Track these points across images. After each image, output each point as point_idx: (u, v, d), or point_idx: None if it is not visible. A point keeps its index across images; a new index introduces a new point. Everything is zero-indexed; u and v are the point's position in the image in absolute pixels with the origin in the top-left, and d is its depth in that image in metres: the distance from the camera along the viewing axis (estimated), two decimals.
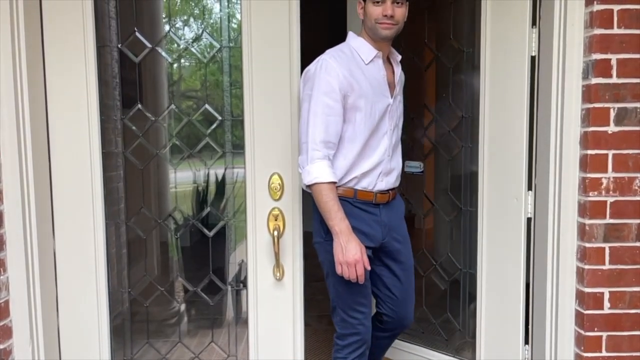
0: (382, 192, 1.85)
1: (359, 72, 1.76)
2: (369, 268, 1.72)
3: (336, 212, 1.70)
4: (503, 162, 2.02)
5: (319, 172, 1.70)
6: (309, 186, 1.73)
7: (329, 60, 1.72)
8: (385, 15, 1.72)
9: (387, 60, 1.88)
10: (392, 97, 1.83)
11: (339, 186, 1.78)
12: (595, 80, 1.76)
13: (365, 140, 1.78)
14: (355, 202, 1.80)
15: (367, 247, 1.79)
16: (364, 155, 1.79)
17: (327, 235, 1.77)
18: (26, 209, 1.83)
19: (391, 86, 1.84)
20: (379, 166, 1.82)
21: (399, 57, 1.90)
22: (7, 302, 1.81)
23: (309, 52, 1.90)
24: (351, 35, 1.83)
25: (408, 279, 1.96)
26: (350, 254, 1.68)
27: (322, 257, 1.82)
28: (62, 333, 2.00)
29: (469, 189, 2.25)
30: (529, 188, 2.01)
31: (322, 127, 1.70)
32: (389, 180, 1.87)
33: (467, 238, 2.27)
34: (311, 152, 1.71)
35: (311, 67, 1.75)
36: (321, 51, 1.77)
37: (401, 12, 1.75)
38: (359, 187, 1.81)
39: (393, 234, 1.89)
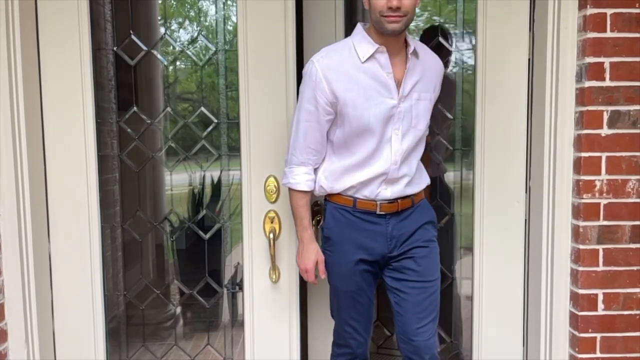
0: (388, 202, 1.70)
1: (353, 72, 1.63)
2: (322, 277, 1.76)
3: (301, 220, 1.73)
4: (503, 166, 2.01)
5: (294, 178, 1.71)
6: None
7: (316, 63, 1.63)
8: (390, 8, 1.54)
9: (407, 53, 1.68)
10: (399, 96, 1.65)
11: (338, 194, 1.72)
12: (588, 84, 1.77)
13: (359, 148, 1.67)
14: (355, 212, 1.71)
15: (365, 261, 1.72)
16: (363, 164, 1.68)
17: (325, 243, 1.76)
18: (21, 211, 1.82)
19: (399, 84, 1.65)
20: (382, 175, 1.68)
21: (412, 49, 1.67)
22: (2, 305, 1.80)
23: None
24: (357, 28, 1.68)
25: (421, 294, 1.73)
26: (302, 262, 1.75)
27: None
28: (58, 336, 1.99)
29: (461, 193, 2.25)
30: (524, 190, 2.02)
31: (302, 133, 1.68)
32: (396, 189, 1.70)
33: (459, 244, 2.25)
34: (290, 156, 1.72)
35: (305, 66, 1.68)
36: None
37: (410, 1, 1.55)
38: (359, 195, 1.70)
39: (405, 247, 1.73)
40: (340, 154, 1.71)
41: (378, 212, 1.70)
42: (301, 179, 1.71)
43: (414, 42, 1.70)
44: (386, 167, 1.67)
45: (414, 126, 1.69)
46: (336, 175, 1.71)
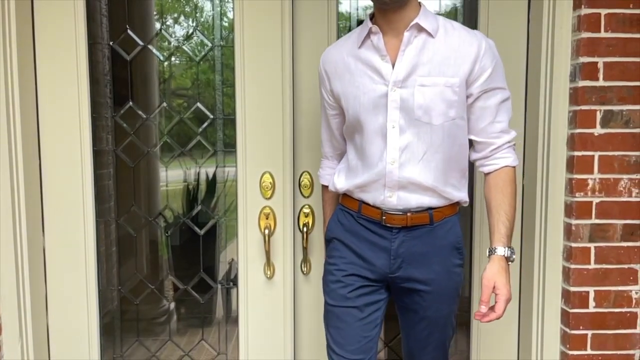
0: (394, 212, 1.47)
1: (347, 60, 1.47)
2: None
3: (323, 214, 1.75)
4: None
5: (320, 170, 1.74)
6: None
7: (322, 55, 1.56)
8: None
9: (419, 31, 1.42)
10: (392, 82, 1.40)
11: (345, 195, 1.58)
12: (582, 83, 1.79)
13: (355, 143, 1.52)
14: (359, 218, 1.51)
15: (360, 276, 1.50)
16: (360, 161, 1.51)
17: (326, 247, 1.66)
18: (16, 206, 1.82)
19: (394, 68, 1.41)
20: (379, 176, 1.45)
21: (412, 23, 1.39)
22: None
23: None
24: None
25: (424, 330, 1.54)
26: None
27: None
28: (52, 331, 1.99)
29: None
30: (521, 188, 2.03)
31: (322, 127, 1.69)
32: (405, 197, 1.45)
33: None
34: (322, 147, 1.73)
35: None
36: None
37: None
38: (364, 199, 1.50)
39: (412, 272, 1.48)
40: (348, 149, 1.59)
41: (383, 222, 1.48)
42: (324, 172, 1.72)
43: (429, 18, 1.41)
44: (382, 166, 1.44)
45: (418, 118, 1.40)
46: (340, 172, 1.60)
